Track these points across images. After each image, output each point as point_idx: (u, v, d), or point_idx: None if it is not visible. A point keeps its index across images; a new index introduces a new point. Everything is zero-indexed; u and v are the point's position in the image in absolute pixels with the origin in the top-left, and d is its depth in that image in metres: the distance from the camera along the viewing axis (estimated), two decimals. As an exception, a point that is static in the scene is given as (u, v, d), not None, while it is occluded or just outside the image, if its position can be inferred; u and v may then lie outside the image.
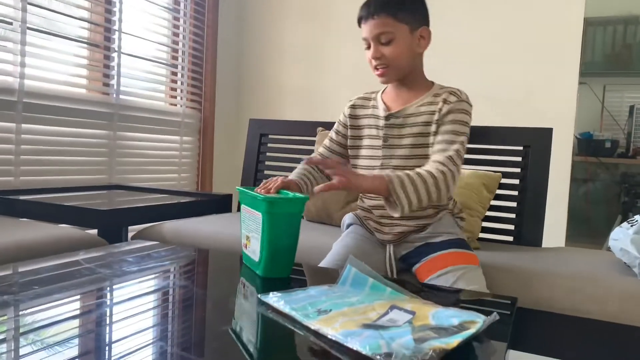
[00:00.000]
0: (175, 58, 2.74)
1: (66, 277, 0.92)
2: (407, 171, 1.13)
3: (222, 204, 2.01)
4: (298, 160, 2.02)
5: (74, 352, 0.62)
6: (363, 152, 1.34)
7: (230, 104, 3.07)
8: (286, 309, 0.75)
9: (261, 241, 0.97)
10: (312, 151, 1.94)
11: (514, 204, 1.65)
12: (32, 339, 0.64)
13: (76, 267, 0.99)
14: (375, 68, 1.25)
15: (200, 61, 2.86)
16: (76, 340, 0.66)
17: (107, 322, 0.72)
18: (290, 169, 2.03)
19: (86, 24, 2.22)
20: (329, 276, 1.03)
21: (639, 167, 3.51)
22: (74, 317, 0.74)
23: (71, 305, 0.79)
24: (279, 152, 2.12)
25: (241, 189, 1.08)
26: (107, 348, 0.64)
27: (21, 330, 0.67)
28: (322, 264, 1.24)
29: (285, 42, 3.01)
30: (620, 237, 1.27)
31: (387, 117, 1.29)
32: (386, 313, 0.73)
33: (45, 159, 2.02)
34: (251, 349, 0.66)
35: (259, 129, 2.14)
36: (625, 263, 1.26)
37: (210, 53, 2.88)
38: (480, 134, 1.65)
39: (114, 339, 0.66)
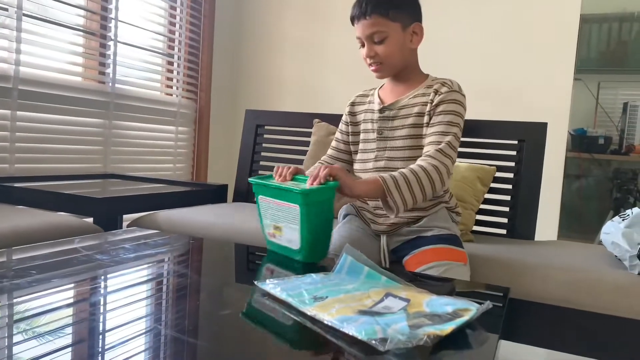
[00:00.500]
0: (171, 48, 2.73)
1: (62, 263, 0.92)
2: (401, 170, 1.14)
3: (217, 194, 2.02)
4: (294, 152, 2.03)
5: (71, 338, 0.62)
6: (362, 145, 1.36)
7: (227, 95, 3.07)
8: (283, 296, 0.76)
9: (301, 230, 1.01)
10: (308, 142, 1.94)
11: (508, 198, 1.67)
12: (28, 324, 0.64)
13: (73, 254, 0.99)
14: (370, 65, 1.28)
15: (197, 51, 2.85)
16: (73, 327, 0.66)
17: (104, 308, 0.73)
18: (286, 160, 2.05)
19: (82, 12, 2.20)
20: (326, 265, 1.04)
21: (631, 164, 3.54)
22: (70, 304, 0.75)
23: (67, 292, 0.80)
24: (275, 143, 2.13)
25: (255, 180, 1.10)
26: (104, 334, 0.64)
27: (17, 316, 0.67)
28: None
29: (283, 33, 3.00)
30: (612, 230, 1.29)
31: (381, 110, 1.31)
32: (381, 300, 0.74)
33: (40, 146, 2.01)
34: (248, 334, 0.67)
35: (255, 120, 2.14)
36: (616, 256, 1.28)
37: (207, 43, 2.87)
38: (476, 128, 1.66)
39: (110, 325, 0.67)
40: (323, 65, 2.91)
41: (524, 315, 1.20)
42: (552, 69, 2.43)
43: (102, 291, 0.81)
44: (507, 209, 1.66)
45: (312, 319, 0.69)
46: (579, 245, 1.61)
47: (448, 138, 1.19)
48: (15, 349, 0.57)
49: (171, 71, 2.75)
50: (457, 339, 0.67)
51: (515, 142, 1.67)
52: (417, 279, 1.02)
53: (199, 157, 2.89)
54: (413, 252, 1.23)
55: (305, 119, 2.02)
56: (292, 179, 1.11)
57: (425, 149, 1.21)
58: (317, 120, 1.97)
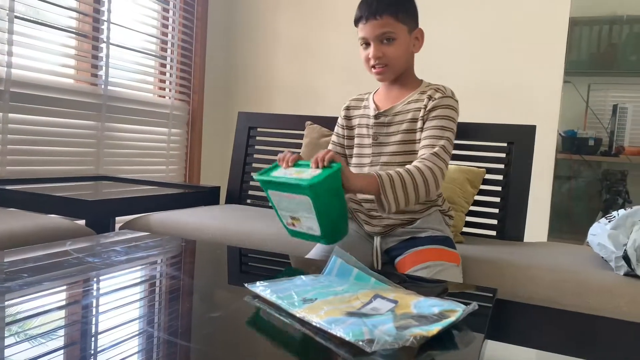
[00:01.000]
0: (164, 50, 2.74)
1: (54, 266, 0.93)
2: (397, 169, 1.15)
3: (209, 196, 2.02)
4: (286, 154, 2.04)
5: (63, 340, 0.63)
6: (357, 150, 1.38)
7: (219, 97, 3.07)
8: (272, 298, 0.77)
9: (318, 219, 1.04)
10: (300, 145, 1.96)
11: (497, 199, 1.68)
12: (20, 327, 0.65)
13: (64, 256, 1.00)
14: (373, 67, 1.28)
15: (190, 53, 2.86)
16: (64, 329, 0.67)
17: (96, 311, 0.74)
18: (279, 162, 2.06)
19: (75, 14, 2.20)
20: (316, 267, 1.05)
21: (621, 165, 3.57)
22: (62, 306, 0.76)
23: (59, 295, 0.80)
24: (267, 145, 2.14)
25: (261, 178, 1.11)
26: (95, 336, 0.65)
27: (9, 319, 0.68)
28: (309, 255, 1.27)
29: (275, 35, 3.02)
30: (598, 232, 1.31)
31: (376, 116, 1.32)
32: (370, 302, 0.75)
33: (32, 149, 2.01)
34: (238, 337, 0.68)
35: (247, 122, 2.15)
36: (602, 257, 1.30)
37: (200, 45, 2.87)
38: (465, 131, 1.68)
39: (102, 328, 0.68)
40: (316, 68, 2.92)
41: (512, 316, 1.22)
42: (541, 72, 2.46)
43: (93, 294, 0.82)
44: (496, 210, 1.68)
45: (301, 321, 0.71)
46: (567, 246, 1.64)
47: (442, 142, 1.21)
48: (7, 352, 0.57)
49: (164, 73, 2.76)
50: (444, 340, 0.68)
51: (505, 144, 1.69)
52: (407, 281, 1.03)
53: (192, 159, 2.90)
54: (407, 252, 1.24)
55: (298, 121, 2.03)
56: (295, 165, 1.11)
57: (420, 152, 1.23)
58: (309, 122, 1.98)
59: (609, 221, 1.29)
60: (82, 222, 1.51)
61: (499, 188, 1.69)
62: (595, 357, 1.16)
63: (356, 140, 1.38)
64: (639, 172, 3.49)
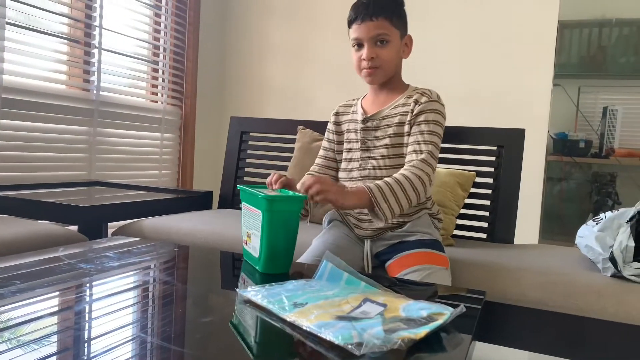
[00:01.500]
0: (156, 55, 2.74)
1: (46, 272, 0.93)
2: (386, 179, 1.17)
3: (202, 201, 2.03)
4: (279, 158, 2.05)
5: (55, 347, 0.63)
6: (346, 155, 1.39)
7: (212, 101, 3.08)
8: (263, 302, 0.78)
9: (260, 238, 1.00)
10: (292, 149, 1.97)
11: (487, 202, 1.70)
12: (12, 334, 0.66)
13: (57, 262, 1.00)
14: (364, 68, 1.29)
15: (182, 58, 2.86)
16: (57, 336, 0.67)
17: (89, 317, 0.74)
18: (271, 167, 2.07)
19: (66, 20, 2.21)
20: (308, 271, 1.06)
21: (610, 167, 3.61)
22: (53, 313, 0.76)
23: (51, 301, 0.81)
24: (259, 150, 2.14)
25: (242, 187, 1.11)
26: (88, 342, 0.66)
27: (0, 326, 0.68)
28: (301, 260, 1.27)
29: (268, 40, 3.03)
30: (586, 234, 1.33)
31: (364, 121, 1.34)
32: (359, 306, 0.76)
33: (24, 154, 2.01)
34: (229, 341, 0.69)
35: (239, 127, 2.16)
36: (590, 259, 1.32)
37: (192, 50, 2.88)
38: (455, 134, 1.70)
39: (95, 333, 0.68)
40: (308, 72, 2.93)
41: (501, 318, 1.24)
42: (531, 75, 2.49)
43: (85, 300, 0.82)
44: (487, 213, 1.70)
45: (292, 325, 0.71)
46: (556, 248, 1.66)
47: (429, 147, 1.23)
48: (-1, 359, 0.58)
49: (156, 78, 2.76)
50: (432, 342, 0.69)
51: (494, 147, 1.71)
52: (397, 284, 1.05)
53: (185, 163, 2.90)
54: (396, 256, 1.26)
55: (290, 126, 2.04)
56: (281, 191, 1.13)
57: (407, 158, 1.25)
58: (301, 127, 1.99)
59: (597, 223, 1.31)
60: (75, 228, 1.51)
61: (489, 191, 1.71)
62: (583, 357, 1.17)
63: (345, 145, 1.40)
64: (629, 174, 3.53)
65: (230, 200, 2.11)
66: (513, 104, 2.50)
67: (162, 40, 2.75)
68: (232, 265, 1.18)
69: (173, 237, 1.56)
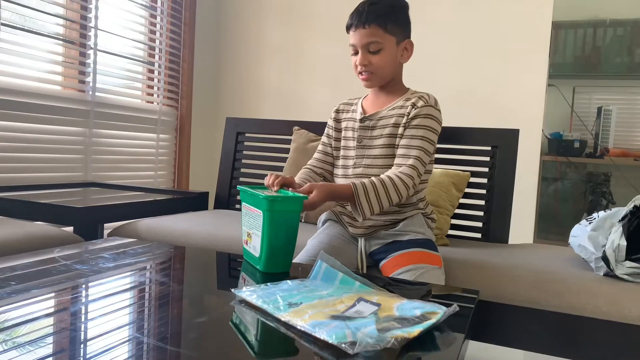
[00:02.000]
0: (152, 56, 2.74)
1: (42, 273, 0.94)
2: (372, 178, 1.21)
3: (198, 202, 2.03)
4: (274, 159, 2.06)
5: (51, 348, 0.64)
6: (342, 152, 1.41)
7: (208, 102, 3.08)
8: (258, 302, 0.79)
9: (261, 237, 1.02)
10: (288, 149, 1.97)
11: (482, 202, 1.71)
12: (8, 335, 0.66)
13: (52, 263, 1.01)
14: (360, 73, 1.32)
15: (178, 59, 2.87)
16: (53, 337, 0.68)
17: (84, 318, 0.75)
18: (267, 167, 2.07)
19: (62, 21, 2.21)
20: (303, 271, 1.07)
21: (605, 167, 3.63)
22: (49, 314, 0.77)
23: (47, 302, 0.81)
24: (255, 151, 2.15)
25: (242, 187, 1.13)
26: (84, 343, 0.66)
27: None
28: (296, 260, 1.28)
29: (263, 41, 3.03)
30: (579, 233, 1.34)
31: (361, 120, 1.36)
32: (353, 305, 0.77)
33: (19, 156, 2.01)
34: (224, 341, 0.69)
35: (235, 127, 2.16)
36: (583, 258, 1.33)
37: (188, 51, 2.88)
38: (450, 135, 1.71)
39: (91, 335, 0.69)
40: (303, 73, 2.94)
41: (495, 317, 1.25)
42: (525, 76, 2.50)
43: (81, 301, 0.83)
44: (481, 213, 1.71)
45: (286, 325, 0.72)
46: (549, 247, 1.67)
47: (418, 153, 1.26)
48: (-5, 359, 0.58)
49: (152, 79, 2.76)
50: (425, 341, 0.70)
51: (489, 148, 1.72)
52: (391, 284, 1.05)
53: (180, 164, 2.90)
54: (390, 256, 1.27)
55: (285, 127, 2.04)
56: (280, 191, 1.15)
57: (396, 160, 1.28)
58: (296, 127, 2.00)
59: (589, 223, 1.32)
60: (70, 229, 1.51)
61: (483, 191, 1.72)
62: (577, 356, 1.18)
63: (342, 143, 1.42)
64: (622, 174, 3.55)
65: (226, 201, 2.11)
66: (508, 105, 2.52)
67: (157, 41, 2.75)
68: (227, 265, 1.18)
69: (168, 238, 1.57)
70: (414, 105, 1.29)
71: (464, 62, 2.59)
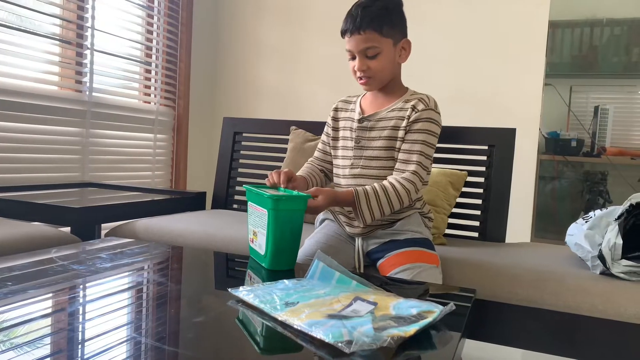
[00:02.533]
0: (149, 56, 2.74)
1: (39, 274, 0.94)
2: (375, 185, 1.23)
3: (195, 202, 2.03)
4: (272, 158, 2.06)
5: (49, 349, 0.64)
6: (340, 152, 1.40)
7: (205, 102, 3.08)
8: (255, 302, 0.79)
9: (266, 236, 1.04)
10: (285, 149, 1.97)
11: (479, 201, 1.72)
12: (5, 336, 0.66)
13: (50, 264, 1.01)
14: (360, 78, 1.31)
15: (175, 59, 2.86)
16: (50, 337, 0.68)
17: (81, 318, 0.75)
18: (264, 167, 2.07)
19: (58, 21, 2.20)
20: (300, 271, 1.07)
21: (602, 166, 3.64)
22: (46, 314, 0.77)
23: (44, 303, 0.81)
24: (252, 150, 2.15)
25: (248, 187, 1.15)
26: (81, 344, 0.66)
27: (-4, 324, 0.69)
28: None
29: (260, 40, 3.03)
30: (575, 232, 1.34)
31: (360, 120, 1.35)
32: (350, 304, 0.77)
33: (16, 156, 2.00)
34: (221, 341, 0.69)
35: (232, 127, 2.16)
36: (580, 257, 1.33)
37: (185, 51, 2.88)
38: (447, 134, 1.70)
39: (88, 335, 0.69)
40: (301, 72, 2.94)
41: (492, 316, 1.25)
42: (523, 75, 2.50)
43: (78, 301, 0.83)
44: (478, 212, 1.71)
45: (283, 324, 0.72)
46: (546, 246, 1.67)
47: (420, 158, 1.26)
48: (-8, 360, 0.58)
49: (149, 79, 2.76)
50: (421, 340, 0.70)
51: (486, 147, 1.72)
52: (389, 283, 1.06)
53: (178, 164, 2.90)
54: (387, 255, 1.27)
55: (282, 126, 2.05)
56: (284, 190, 1.18)
57: (397, 165, 1.28)
58: (293, 127, 2.00)
59: (586, 221, 1.32)
60: (68, 229, 1.51)
61: (480, 190, 1.72)
62: (574, 354, 1.19)
63: (340, 143, 1.41)
64: (619, 172, 3.56)
65: (224, 201, 2.11)
66: (505, 104, 2.52)
67: (154, 41, 2.75)
68: (225, 265, 1.18)
69: (166, 238, 1.57)
70: (414, 108, 1.28)
71: (461, 62, 2.60)
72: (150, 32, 2.73)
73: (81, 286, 0.89)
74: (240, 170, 2.14)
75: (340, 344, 0.63)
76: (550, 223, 3.67)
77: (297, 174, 1.33)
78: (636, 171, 3.46)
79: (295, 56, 2.95)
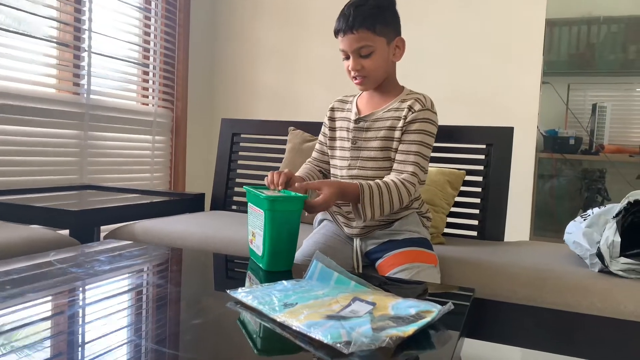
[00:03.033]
0: (146, 57, 2.74)
1: (38, 277, 0.94)
2: (378, 181, 1.21)
3: (194, 204, 2.03)
4: (270, 159, 2.06)
5: (48, 352, 0.64)
6: (337, 152, 1.40)
7: (203, 103, 3.08)
8: (254, 304, 0.79)
9: (263, 237, 1.04)
10: (283, 150, 1.97)
11: (477, 200, 1.72)
12: (4, 339, 0.66)
13: (48, 267, 1.01)
14: (354, 77, 1.31)
15: (172, 60, 2.86)
16: (49, 341, 0.68)
17: (80, 321, 0.75)
18: (263, 168, 2.08)
19: (55, 23, 2.20)
20: (299, 271, 1.07)
21: (600, 163, 3.64)
22: (45, 318, 0.77)
23: (43, 306, 0.81)
24: (251, 151, 2.15)
25: (247, 187, 1.15)
26: (80, 347, 0.66)
27: (-5, 328, 0.69)
28: (292, 260, 1.28)
29: (258, 41, 3.03)
30: (574, 230, 1.34)
31: (356, 121, 1.35)
32: (349, 305, 0.77)
33: (14, 159, 2.00)
34: (220, 343, 0.69)
35: (230, 129, 2.16)
36: (578, 255, 1.34)
37: (182, 52, 2.88)
38: (445, 133, 1.70)
39: (87, 338, 0.69)
40: (298, 73, 2.94)
41: (491, 314, 1.25)
42: (520, 74, 2.50)
43: (76, 305, 0.83)
44: (477, 211, 1.71)
45: (282, 325, 0.72)
46: (545, 244, 1.67)
47: (417, 158, 1.26)
48: (-9, 364, 0.58)
49: (147, 81, 2.76)
50: (420, 339, 0.70)
51: (484, 146, 1.72)
52: (387, 283, 1.06)
53: (177, 166, 2.90)
54: (385, 256, 1.27)
55: (280, 127, 2.05)
56: (283, 191, 1.17)
57: (395, 165, 1.28)
58: (292, 127, 2.00)
59: (584, 219, 1.32)
60: (66, 232, 1.51)
61: (479, 189, 1.72)
62: (573, 352, 1.19)
63: (338, 143, 1.41)
64: (618, 170, 3.56)
65: (223, 202, 2.11)
66: (503, 103, 2.52)
67: (152, 43, 2.75)
68: (224, 267, 1.18)
69: (165, 240, 1.57)
70: (410, 109, 1.28)
71: (459, 61, 2.60)
72: (148, 34, 2.73)
73: (80, 289, 0.89)
74: (238, 171, 2.14)
75: (338, 345, 0.63)
76: (549, 221, 3.68)
77: (295, 174, 1.33)
78: (634, 168, 3.46)
79: (292, 57, 2.95)
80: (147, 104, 2.75)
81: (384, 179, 1.24)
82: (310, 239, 1.36)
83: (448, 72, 2.61)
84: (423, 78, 2.47)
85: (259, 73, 3.03)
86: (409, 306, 0.77)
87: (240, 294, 0.83)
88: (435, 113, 1.31)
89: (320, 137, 1.48)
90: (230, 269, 1.17)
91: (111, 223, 1.68)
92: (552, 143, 3.69)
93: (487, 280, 1.27)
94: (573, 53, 4.00)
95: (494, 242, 1.63)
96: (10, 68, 1.97)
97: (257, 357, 0.66)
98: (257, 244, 1.08)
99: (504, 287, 1.25)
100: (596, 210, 1.32)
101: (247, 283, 1.01)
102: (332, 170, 1.42)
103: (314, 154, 1.49)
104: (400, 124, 1.28)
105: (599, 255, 1.19)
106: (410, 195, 1.24)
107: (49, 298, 0.84)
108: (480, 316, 1.25)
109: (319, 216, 1.47)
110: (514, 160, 1.72)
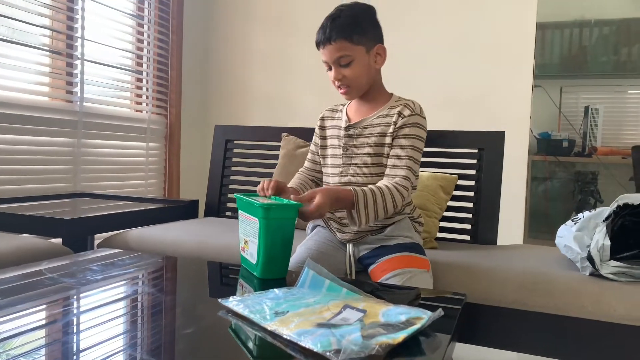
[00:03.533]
0: (140, 64, 2.74)
1: (29, 287, 0.94)
2: (371, 186, 1.22)
3: (189, 210, 2.03)
4: (264, 165, 2.07)
5: None
6: (329, 160, 1.42)
7: (197, 110, 3.08)
8: (245, 312, 0.79)
9: (258, 244, 1.04)
10: (277, 156, 1.98)
11: (470, 205, 1.73)
12: (-4, 348, 0.66)
13: (40, 277, 1.01)
14: (339, 87, 1.33)
15: (166, 67, 2.87)
16: (41, 351, 0.68)
17: (74, 331, 0.75)
18: (256, 174, 2.08)
19: (47, 31, 2.20)
20: (291, 278, 1.07)
21: (593, 166, 3.66)
22: (39, 328, 0.77)
23: (36, 316, 0.81)
24: (244, 158, 2.15)
25: (238, 195, 1.16)
26: (72, 358, 0.66)
27: (-14, 340, 0.69)
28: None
29: (251, 47, 3.04)
30: (565, 234, 1.35)
31: (347, 128, 1.36)
32: (339, 312, 0.78)
33: (7, 168, 2.00)
34: (210, 352, 0.69)
35: (224, 135, 2.17)
36: (569, 259, 1.35)
37: (176, 59, 2.88)
38: (437, 138, 1.72)
39: (78, 348, 0.69)
40: (292, 79, 2.95)
41: (484, 319, 1.25)
42: (511, 77, 2.52)
43: (67, 315, 0.83)
44: (469, 215, 1.72)
45: (273, 334, 0.73)
46: (537, 248, 1.68)
47: (409, 163, 1.27)
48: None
49: (140, 88, 2.76)
50: (411, 345, 0.71)
51: (475, 150, 1.73)
52: (379, 289, 1.06)
53: (171, 172, 2.90)
54: (378, 261, 1.28)
55: (274, 133, 2.05)
56: (274, 198, 1.17)
57: (387, 171, 1.29)
58: (285, 134, 2.00)
59: (575, 223, 1.33)
60: (59, 241, 1.50)
61: (471, 193, 1.73)
62: (564, 355, 1.20)
63: (329, 151, 1.42)
64: (611, 172, 3.59)
65: (216, 209, 2.12)
66: (495, 106, 2.54)
67: (145, 50, 2.75)
68: (218, 275, 1.19)
69: (159, 247, 1.56)
70: (400, 114, 1.29)
71: (450, 65, 2.61)
72: (141, 41, 2.73)
73: (71, 299, 0.89)
74: (232, 177, 2.14)
75: (328, 353, 0.64)
76: (543, 223, 3.69)
77: (288, 185, 1.33)
78: (627, 170, 3.48)
79: (285, 63, 2.96)
80: (141, 111, 2.75)
81: (377, 184, 1.25)
82: (303, 245, 1.37)
83: (440, 75, 2.62)
84: (414, 82, 2.48)
85: (253, 79, 3.04)
86: (399, 313, 0.77)
87: (232, 302, 0.83)
88: (425, 118, 1.32)
89: (312, 147, 1.49)
90: (225, 275, 1.17)
91: (104, 231, 1.68)
92: (545, 145, 3.71)
93: (479, 284, 1.27)
94: (565, 56, 4.03)
95: (487, 246, 1.64)
96: (2, 76, 1.97)
97: (248, 366, 0.66)
98: (251, 252, 1.08)
99: (495, 292, 1.25)
100: (586, 213, 1.33)
101: (239, 291, 1.01)
102: (324, 178, 1.42)
103: (307, 164, 1.50)
104: (391, 129, 1.29)
105: (590, 258, 1.20)
106: (403, 199, 1.24)
107: (40, 308, 0.84)
108: (472, 321, 1.25)
109: (312, 222, 1.48)
110: (507, 163, 1.73)
